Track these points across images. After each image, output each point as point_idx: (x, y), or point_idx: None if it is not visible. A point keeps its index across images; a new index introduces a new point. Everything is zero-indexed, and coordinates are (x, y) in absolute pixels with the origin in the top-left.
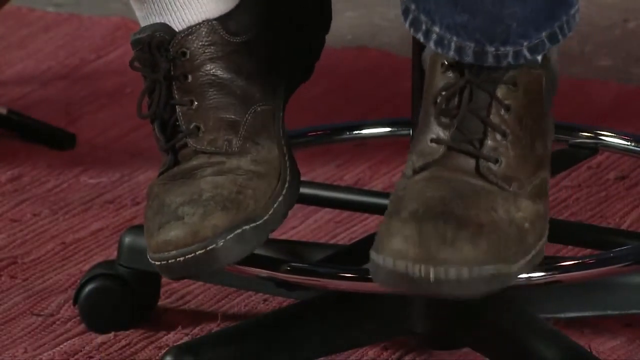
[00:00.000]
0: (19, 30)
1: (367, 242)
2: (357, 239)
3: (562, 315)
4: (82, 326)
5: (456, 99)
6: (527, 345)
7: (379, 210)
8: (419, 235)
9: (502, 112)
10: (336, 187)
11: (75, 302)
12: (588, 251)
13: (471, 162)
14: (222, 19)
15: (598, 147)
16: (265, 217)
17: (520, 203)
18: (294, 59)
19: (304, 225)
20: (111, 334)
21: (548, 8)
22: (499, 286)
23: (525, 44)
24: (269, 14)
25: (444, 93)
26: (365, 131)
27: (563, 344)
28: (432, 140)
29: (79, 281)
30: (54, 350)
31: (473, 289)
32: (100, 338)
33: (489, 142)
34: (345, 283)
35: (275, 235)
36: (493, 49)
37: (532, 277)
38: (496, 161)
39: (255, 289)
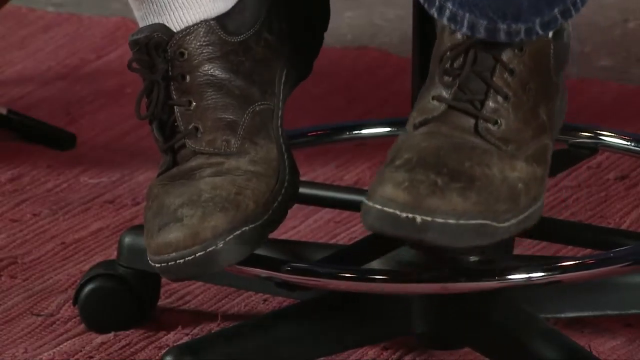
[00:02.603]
0: (19, 30)
1: (367, 242)
2: (357, 239)
3: (562, 315)
4: (82, 326)
5: (461, 59)
6: (527, 345)
7: None
8: (410, 182)
9: (506, 75)
10: (336, 187)
11: (75, 302)
12: (588, 251)
13: (470, 122)
14: (220, 19)
15: (598, 147)
16: (265, 217)
17: (516, 164)
18: (292, 57)
19: (304, 225)
20: (111, 334)
21: None
22: (485, 241)
23: (537, 20)
24: (267, 14)
25: (449, 53)
26: (365, 131)
27: (563, 344)
28: (433, 98)
29: (79, 281)
30: (54, 350)
31: (458, 239)
32: (100, 338)
33: (490, 104)
34: (345, 283)
35: (275, 235)
36: (505, 25)
37: (532, 277)
38: (495, 122)
39: (255, 289)
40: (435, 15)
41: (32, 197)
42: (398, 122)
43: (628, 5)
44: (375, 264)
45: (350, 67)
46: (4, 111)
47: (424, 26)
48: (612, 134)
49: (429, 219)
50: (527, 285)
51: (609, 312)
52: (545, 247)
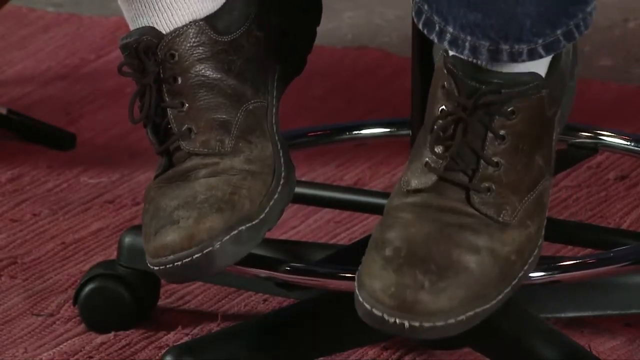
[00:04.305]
0: (19, 30)
1: (367, 242)
2: (357, 239)
3: (562, 315)
4: (82, 326)
5: (451, 129)
6: (527, 345)
7: (379, 210)
8: (396, 287)
9: (497, 142)
10: (336, 187)
11: (75, 302)
12: (588, 251)
13: (462, 192)
14: (209, 19)
15: (598, 147)
16: (262, 216)
17: (507, 236)
18: (285, 53)
19: (304, 225)
20: (111, 334)
21: (563, 6)
22: (476, 323)
23: (540, 41)
24: (257, 11)
25: (440, 122)
26: (365, 131)
27: (563, 344)
28: (426, 165)
29: (79, 281)
30: (54, 350)
31: (449, 332)
32: (100, 338)
33: (481, 173)
34: (345, 283)
35: (275, 235)
36: (507, 47)
37: (532, 277)
38: (488, 190)
39: (255, 289)
40: (436, 40)
41: (32, 197)
42: (398, 122)
43: (628, 5)
44: None
45: (350, 67)
46: (4, 111)
47: None
48: (612, 134)
49: (416, 324)
50: (527, 285)
51: (609, 312)
52: (545, 247)
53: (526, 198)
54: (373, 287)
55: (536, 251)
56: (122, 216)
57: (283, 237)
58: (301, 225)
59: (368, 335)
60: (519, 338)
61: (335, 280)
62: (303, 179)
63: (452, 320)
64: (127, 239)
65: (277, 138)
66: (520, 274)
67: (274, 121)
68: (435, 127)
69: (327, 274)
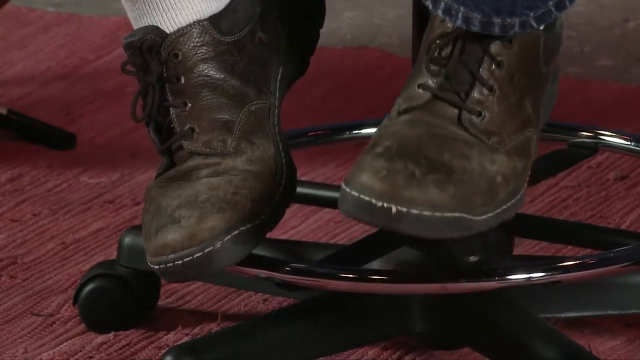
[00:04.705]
0: (19, 30)
1: (367, 242)
2: (357, 239)
3: (562, 315)
4: (82, 326)
5: (449, 49)
6: (527, 345)
7: None
8: (387, 172)
9: (493, 67)
10: (336, 187)
11: (75, 302)
12: (588, 251)
13: (454, 112)
14: (213, 19)
15: (598, 147)
16: (263, 217)
17: (496, 157)
18: (288, 55)
19: (304, 225)
20: (111, 334)
21: None
22: (460, 233)
23: (531, 14)
24: (260, 12)
25: (438, 42)
26: (365, 131)
27: (563, 344)
28: (419, 86)
29: (79, 281)
30: (54, 350)
31: (433, 230)
32: (100, 338)
33: (475, 95)
34: (345, 283)
35: (275, 235)
36: (499, 20)
37: (532, 277)
38: (479, 114)
39: (255, 289)
40: (430, 7)
41: (32, 197)
42: None
43: (628, 5)
44: (375, 264)
45: (350, 67)
46: (4, 111)
47: (424, 26)
48: (612, 134)
49: (404, 209)
50: (527, 285)
51: (609, 312)
52: (545, 247)
53: (514, 136)
54: (362, 178)
55: (519, 195)
56: (122, 216)
57: (283, 237)
58: (301, 225)
59: (368, 335)
60: (519, 338)
61: (335, 280)
62: (303, 179)
63: (438, 214)
64: (127, 239)
65: (278, 139)
66: (503, 206)
67: (275, 122)
68: (432, 46)
69: (327, 274)
